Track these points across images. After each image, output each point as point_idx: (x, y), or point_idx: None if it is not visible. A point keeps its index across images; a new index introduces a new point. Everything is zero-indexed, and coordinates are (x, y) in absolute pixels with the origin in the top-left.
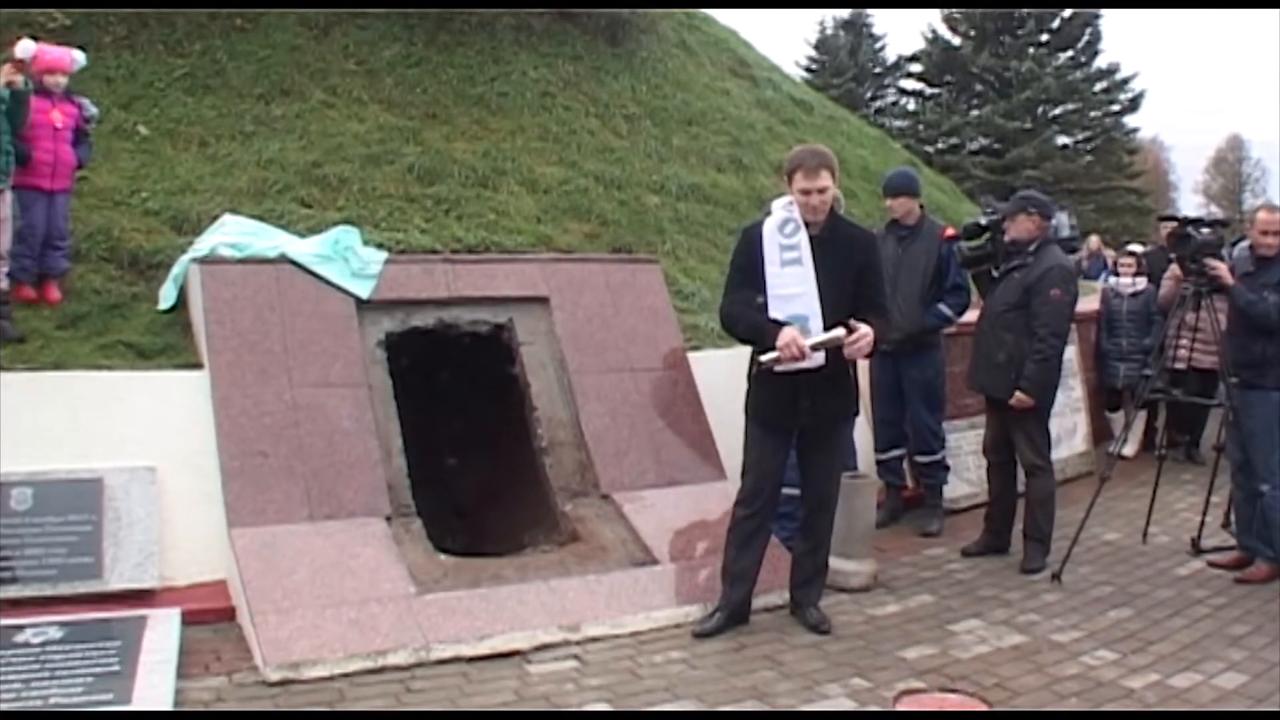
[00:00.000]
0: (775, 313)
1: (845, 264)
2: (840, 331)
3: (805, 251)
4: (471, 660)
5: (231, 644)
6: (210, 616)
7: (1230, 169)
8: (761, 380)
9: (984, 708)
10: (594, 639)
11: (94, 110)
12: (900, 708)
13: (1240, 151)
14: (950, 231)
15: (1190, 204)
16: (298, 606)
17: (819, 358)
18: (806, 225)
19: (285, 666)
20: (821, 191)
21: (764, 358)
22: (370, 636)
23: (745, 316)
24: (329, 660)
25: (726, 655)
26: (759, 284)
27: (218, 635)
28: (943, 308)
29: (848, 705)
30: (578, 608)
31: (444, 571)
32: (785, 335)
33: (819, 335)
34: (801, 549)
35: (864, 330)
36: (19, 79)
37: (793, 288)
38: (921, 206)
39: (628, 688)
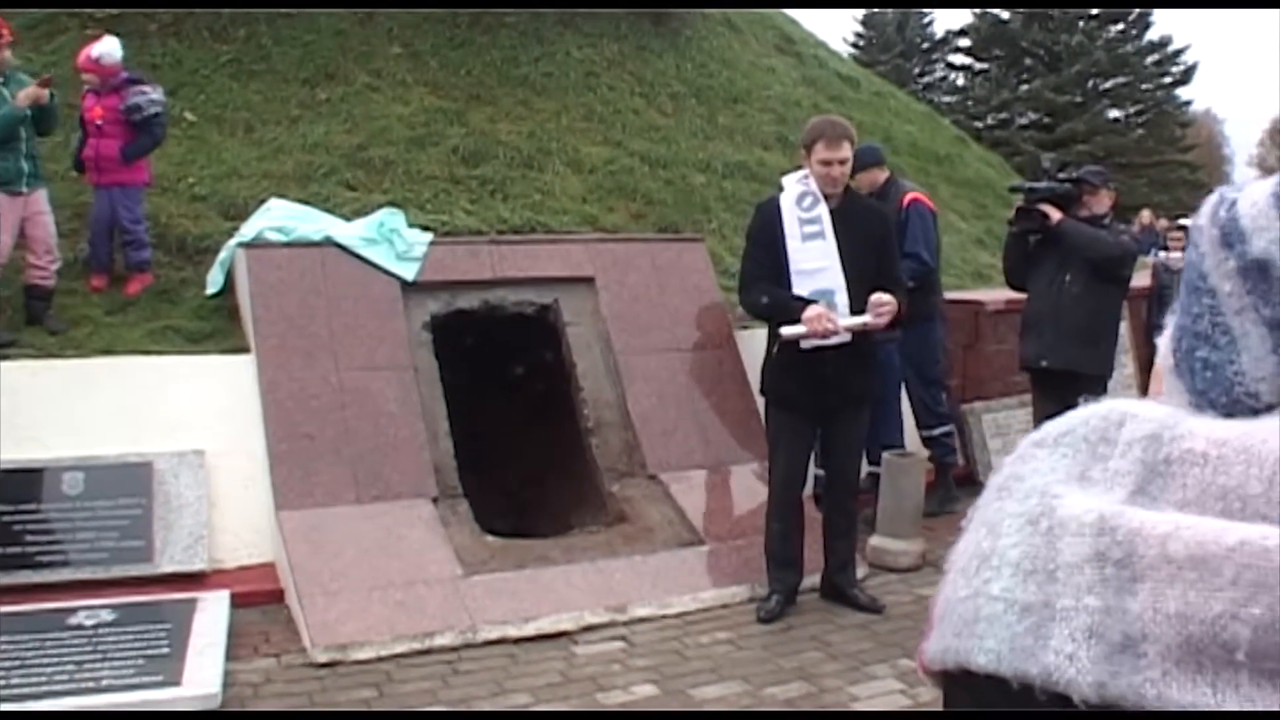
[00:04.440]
0: (799, 288)
1: (865, 237)
2: (869, 317)
3: (826, 225)
4: (518, 641)
5: (280, 626)
6: (259, 599)
7: None
8: (782, 360)
9: None
10: (640, 620)
11: (135, 99)
12: None
13: None
14: (914, 195)
15: (1245, 177)
16: (345, 589)
17: (845, 335)
18: (824, 198)
19: (333, 648)
20: (843, 162)
21: (786, 331)
22: (417, 618)
23: (768, 293)
24: (376, 642)
25: (774, 636)
26: (780, 259)
27: (266, 617)
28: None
29: (895, 686)
30: (624, 589)
31: (490, 553)
32: (813, 310)
33: (848, 317)
34: (834, 531)
35: (888, 298)
36: (45, 94)
37: (816, 262)
38: (891, 173)
39: (674, 669)
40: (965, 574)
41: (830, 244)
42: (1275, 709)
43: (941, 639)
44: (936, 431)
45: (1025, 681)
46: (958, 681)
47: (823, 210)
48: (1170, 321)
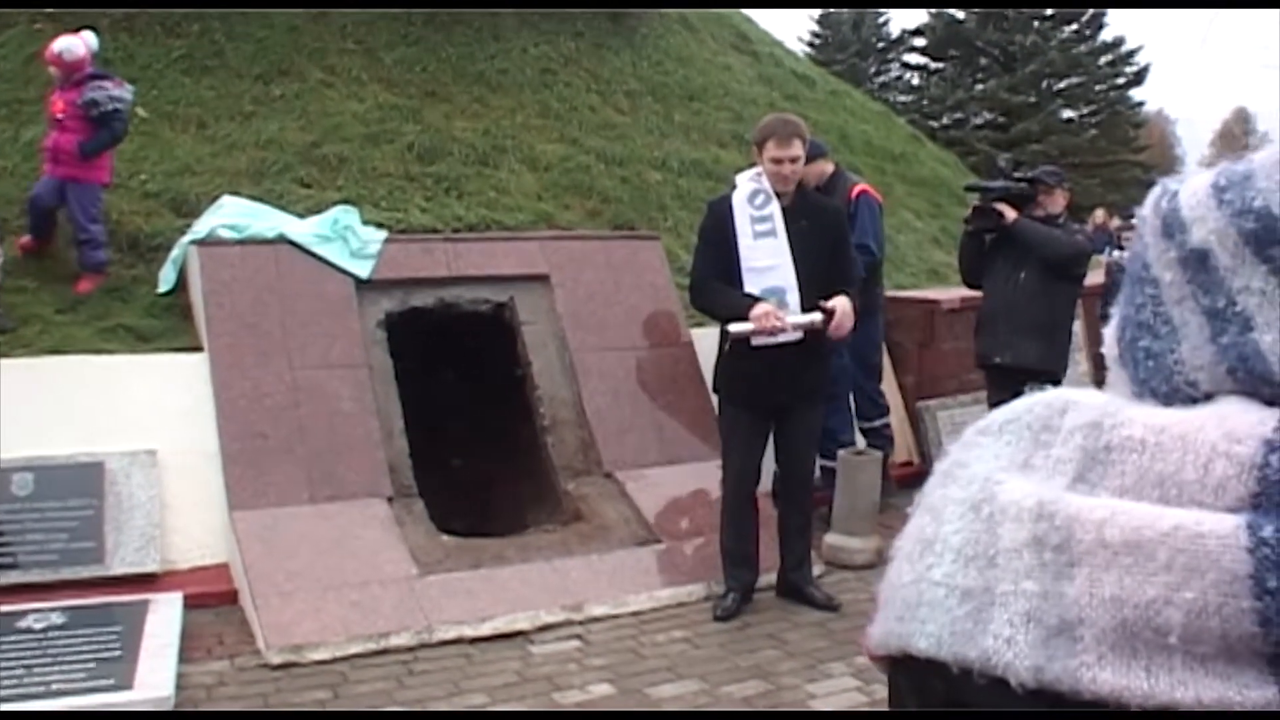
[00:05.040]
0: (750, 286)
1: (818, 235)
2: (819, 315)
3: (778, 223)
4: (474, 641)
5: (233, 627)
6: (212, 600)
7: (1237, 142)
8: (736, 358)
9: None
10: (597, 619)
11: (92, 94)
12: None
13: (1247, 124)
14: (861, 187)
15: None
16: (299, 589)
17: (795, 333)
18: (777, 196)
19: (287, 649)
20: (794, 160)
21: (734, 328)
22: (372, 618)
23: (718, 291)
24: (331, 643)
25: (730, 634)
26: (731, 258)
27: (220, 619)
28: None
29: (851, 684)
30: (580, 588)
31: (446, 552)
32: (761, 308)
33: (797, 315)
34: (789, 529)
35: (844, 307)
36: None
37: (767, 260)
38: (836, 164)
39: (630, 668)
40: (909, 559)
41: (782, 242)
42: (1207, 693)
43: (885, 623)
44: (878, 422)
45: (964, 665)
46: (900, 665)
47: (775, 208)
48: (1115, 313)
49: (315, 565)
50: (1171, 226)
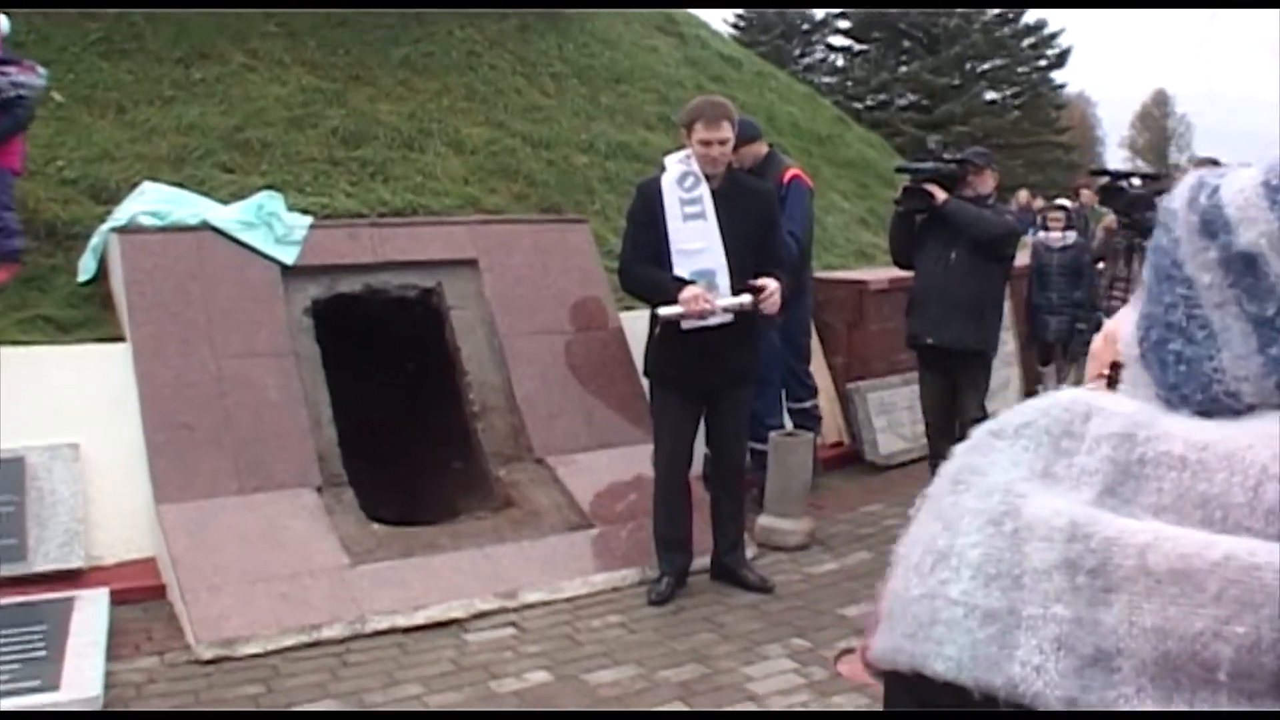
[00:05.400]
0: (680, 269)
1: (748, 217)
2: (748, 297)
3: (708, 205)
4: (408, 631)
5: (162, 623)
6: (139, 595)
7: (1156, 123)
8: (666, 341)
9: None
10: (531, 605)
11: None
12: (841, 667)
13: (1165, 106)
14: (794, 172)
15: (1116, 158)
16: (229, 582)
17: (726, 315)
18: (706, 179)
19: (218, 644)
20: (723, 143)
21: (663, 311)
22: (303, 610)
23: (647, 275)
24: (262, 636)
25: (665, 619)
26: (660, 240)
27: (147, 614)
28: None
29: (789, 665)
30: (514, 574)
31: (377, 541)
32: (690, 290)
33: (726, 298)
34: (722, 512)
35: (773, 286)
36: None
37: (697, 242)
38: (770, 145)
39: (567, 654)
40: (918, 571)
41: (711, 224)
42: None
43: (891, 638)
44: (807, 404)
45: (988, 692)
46: (905, 683)
47: (704, 190)
48: (1135, 309)
49: (244, 557)
50: (1213, 225)
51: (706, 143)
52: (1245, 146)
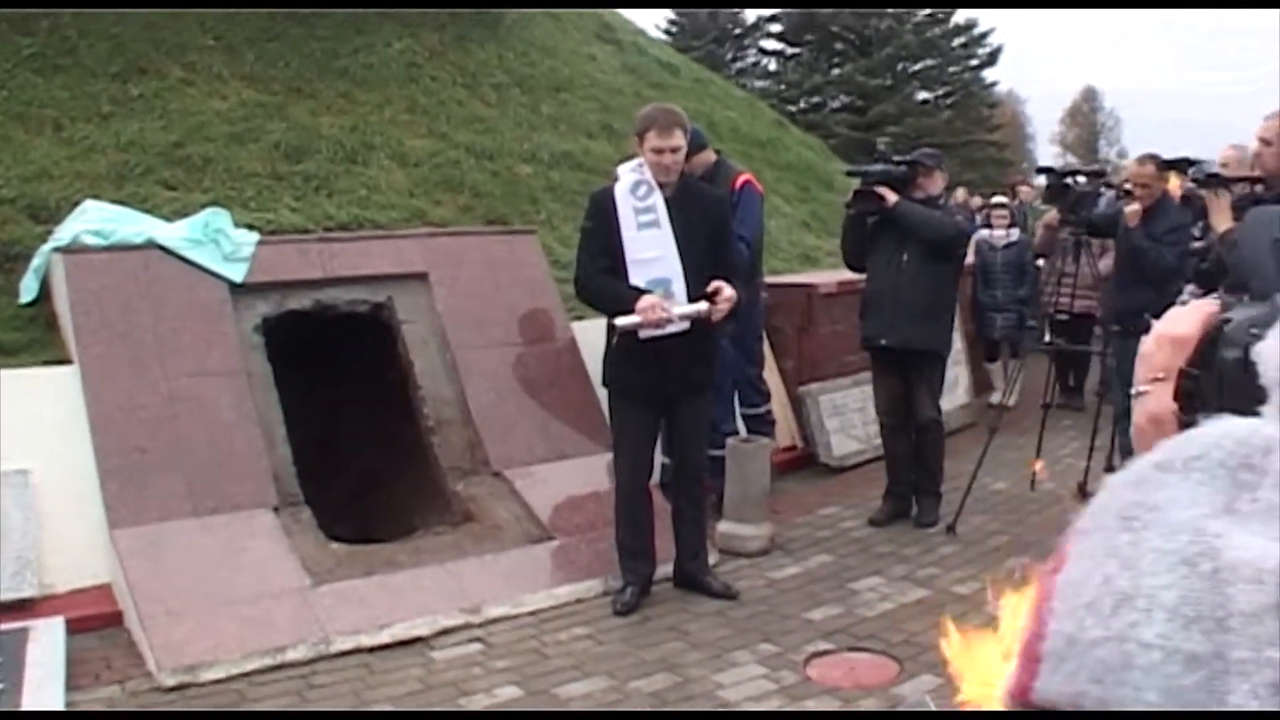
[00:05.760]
0: (635, 278)
1: (702, 224)
2: (704, 305)
3: (662, 213)
4: (373, 650)
5: (121, 650)
6: (96, 623)
7: (1085, 119)
8: (623, 351)
9: (894, 666)
10: (496, 620)
11: None
12: (811, 671)
13: (1094, 102)
14: (745, 177)
15: (1047, 154)
16: (189, 607)
17: (683, 324)
18: (659, 186)
19: (180, 670)
20: (675, 150)
21: (620, 321)
22: (267, 633)
23: (604, 285)
24: (225, 661)
25: (632, 629)
26: (615, 250)
27: (105, 642)
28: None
29: (759, 671)
30: (477, 589)
31: (337, 561)
32: (646, 300)
33: (683, 305)
34: (683, 519)
35: (728, 291)
36: None
37: (652, 251)
38: (718, 152)
39: (535, 668)
40: (1096, 612)
41: (666, 232)
42: None
43: (1071, 682)
44: (761, 409)
45: None
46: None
47: (658, 199)
48: (1194, 309)
49: (204, 581)
50: None
51: (659, 150)
52: (1175, 137)
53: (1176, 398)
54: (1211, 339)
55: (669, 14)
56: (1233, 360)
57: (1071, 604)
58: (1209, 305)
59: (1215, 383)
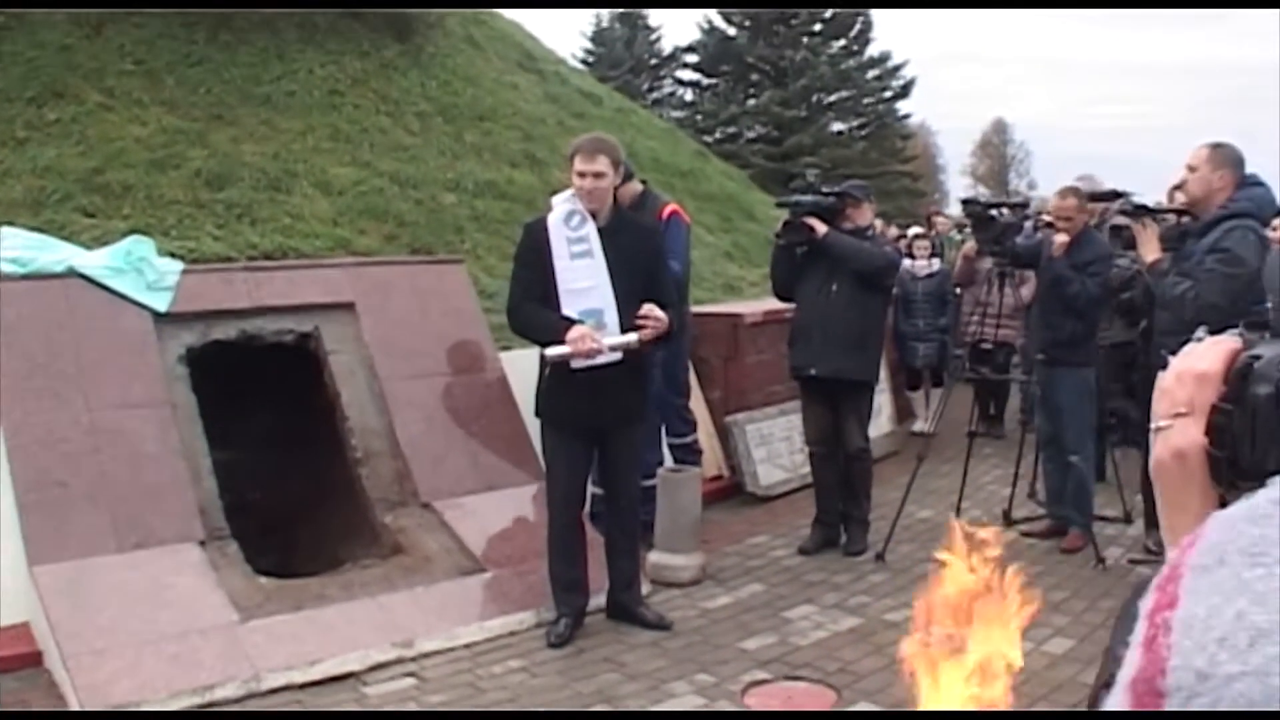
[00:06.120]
0: (568, 308)
1: (635, 255)
2: (633, 336)
3: (595, 243)
4: (304, 687)
5: (41, 691)
6: (15, 663)
7: (996, 151)
8: (556, 381)
9: (831, 694)
10: (429, 654)
11: None
12: (749, 701)
13: (1004, 135)
14: (672, 208)
15: (959, 185)
16: (113, 645)
17: (615, 354)
18: (592, 216)
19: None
20: (597, 176)
21: (550, 352)
22: (195, 671)
23: (534, 316)
24: (153, 700)
25: (566, 661)
26: (548, 280)
27: (24, 684)
28: None
29: (697, 702)
30: (409, 623)
31: (266, 595)
32: (576, 330)
33: (614, 336)
34: (616, 550)
35: (658, 311)
36: None
37: (584, 281)
38: (644, 182)
39: (471, 702)
40: (1230, 648)
41: (599, 262)
42: None
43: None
44: (689, 438)
45: None
46: None
47: (591, 229)
48: (1213, 343)
49: (129, 618)
50: None
51: (581, 174)
52: (1082, 169)
53: (1208, 432)
54: (1243, 375)
55: (586, 44)
56: (1265, 396)
57: (1200, 640)
58: (1230, 342)
59: (1248, 418)
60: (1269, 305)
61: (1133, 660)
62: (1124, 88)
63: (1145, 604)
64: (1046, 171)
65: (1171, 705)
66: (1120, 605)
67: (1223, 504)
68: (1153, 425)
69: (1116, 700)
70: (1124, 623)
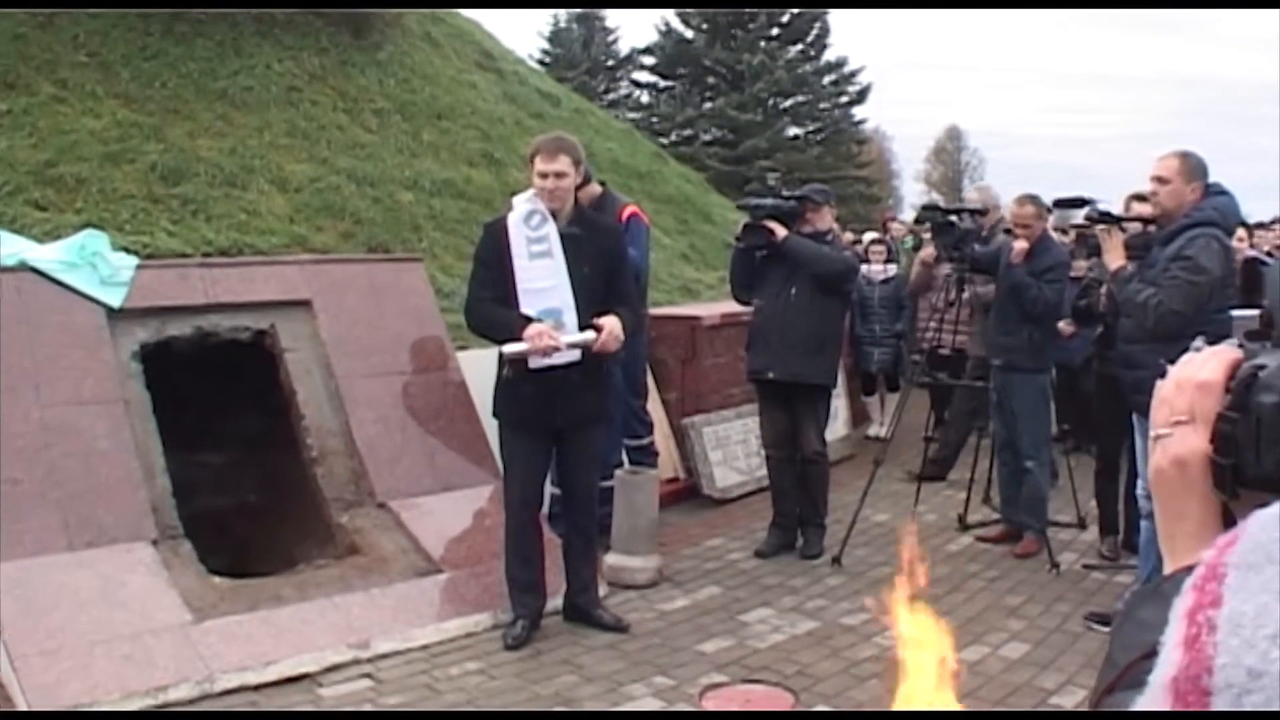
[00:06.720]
0: (526, 308)
1: (596, 255)
2: (591, 334)
3: (554, 243)
4: (259, 688)
5: None
6: None
7: (949, 157)
8: (514, 381)
9: (789, 697)
10: (385, 655)
11: None
12: (707, 704)
13: (958, 141)
14: (631, 209)
15: (913, 191)
16: (64, 646)
17: (573, 353)
18: (553, 216)
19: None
20: (559, 175)
21: (508, 349)
22: (148, 672)
23: (492, 313)
24: (105, 702)
25: (524, 663)
26: (507, 279)
27: None
28: None
29: (655, 705)
30: (364, 624)
31: (220, 595)
32: (534, 327)
33: (571, 334)
34: (573, 552)
35: (610, 327)
36: None
37: (543, 281)
38: (602, 184)
39: (428, 704)
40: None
41: (558, 262)
42: None
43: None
44: (645, 440)
45: None
46: None
47: (551, 229)
48: (1219, 351)
49: (80, 618)
50: None
51: (543, 174)
52: (1035, 176)
53: (1213, 440)
54: (1247, 384)
55: (543, 45)
56: (1271, 404)
57: (1250, 637)
58: (1230, 351)
59: (1253, 426)
60: (1231, 315)
61: (1171, 660)
62: (1076, 97)
63: (1181, 604)
64: (1001, 179)
65: (1220, 703)
66: (1120, 612)
67: (1225, 512)
68: (1152, 433)
69: (1154, 700)
70: (1124, 629)
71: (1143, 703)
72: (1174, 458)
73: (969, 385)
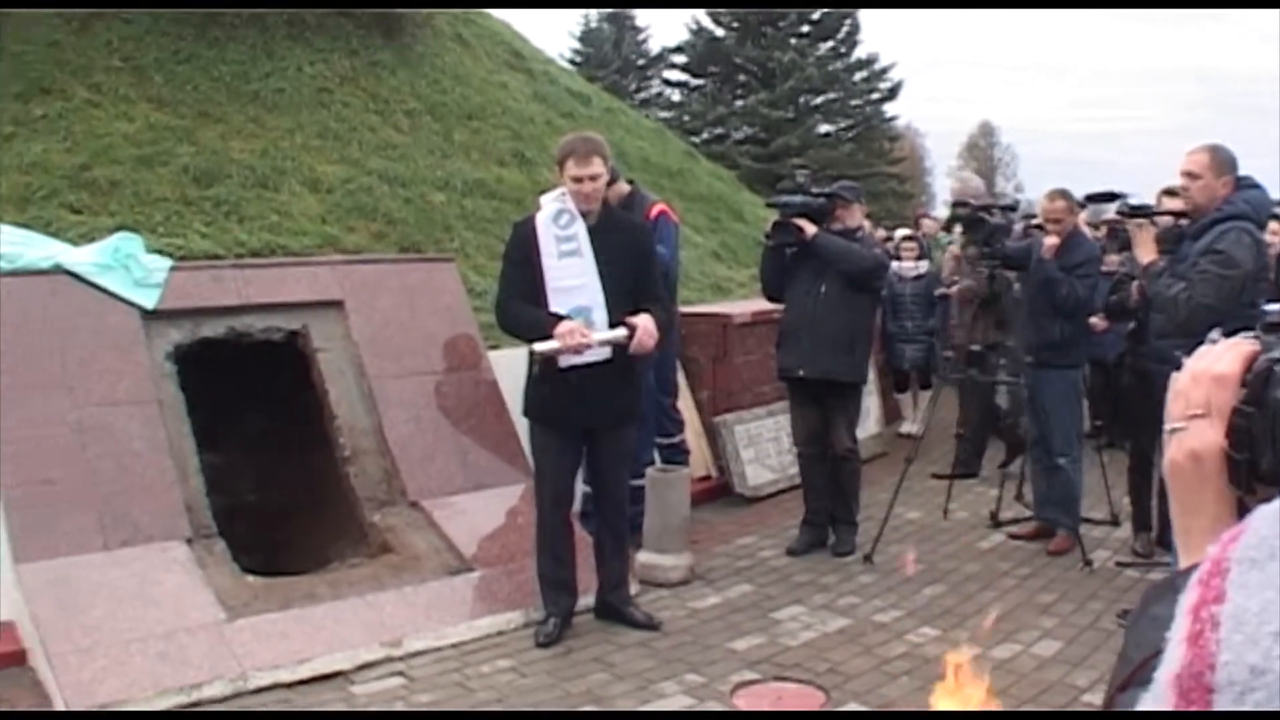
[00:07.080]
0: (556, 306)
1: (624, 254)
2: (623, 331)
3: (584, 242)
4: (292, 686)
5: (26, 690)
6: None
7: (982, 153)
8: (545, 379)
9: (821, 695)
10: (417, 653)
11: None
12: (738, 702)
13: (991, 137)
14: (661, 207)
15: (945, 188)
16: (99, 644)
17: (604, 351)
18: (582, 215)
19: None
20: (594, 179)
21: (539, 346)
22: (182, 669)
23: (523, 312)
24: (139, 699)
25: (555, 661)
26: (536, 278)
27: (9, 682)
28: None
29: (686, 702)
30: (397, 622)
31: (254, 594)
32: (565, 325)
33: (602, 331)
34: (605, 550)
35: (644, 326)
36: None
37: (573, 279)
38: (631, 182)
39: (460, 702)
40: None
41: (587, 261)
42: None
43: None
44: (676, 438)
45: None
46: None
47: (580, 228)
48: (1231, 344)
49: (115, 616)
50: None
51: (578, 179)
52: (1067, 172)
53: (1228, 435)
54: (1264, 378)
55: (574, 44)
56: None
57: (1253, 634)
58: (1246, 344)
59: (1269, 421)
60: (1264, 308)
61: (1175, 656)
62: (1109, 92)
63: (1186, 600)
64: (1033, 175)
65: (1222, 700)
66: (1136, 608)
67: (1240, 506)
68: (1167, 427)
69: (1157, 697)
70: (1139, 624)
71: (1148, 699)
72: (1189, 452)
73: (1004, 382)
